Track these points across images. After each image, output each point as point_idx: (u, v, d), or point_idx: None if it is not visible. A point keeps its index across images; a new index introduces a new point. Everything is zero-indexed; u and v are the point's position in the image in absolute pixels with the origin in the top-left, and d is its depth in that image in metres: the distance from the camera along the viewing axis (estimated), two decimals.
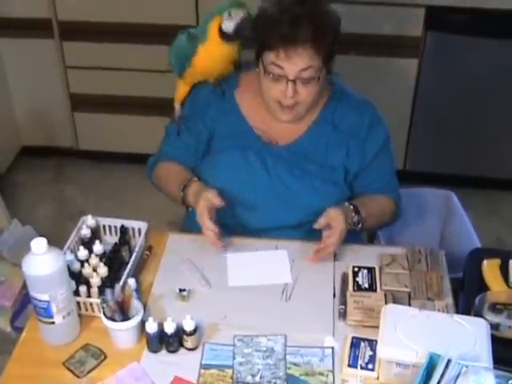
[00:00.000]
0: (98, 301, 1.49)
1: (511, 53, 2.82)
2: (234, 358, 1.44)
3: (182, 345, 1.46)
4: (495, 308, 1.50)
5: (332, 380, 1.39)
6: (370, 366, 1.39)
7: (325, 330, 1.50)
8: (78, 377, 1.41)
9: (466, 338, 1.34)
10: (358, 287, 1.59)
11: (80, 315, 1.51)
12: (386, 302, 1.53)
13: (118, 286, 1.46)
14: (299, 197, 1.74)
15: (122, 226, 1.71)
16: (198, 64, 1.74)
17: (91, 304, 1.52)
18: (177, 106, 1.85)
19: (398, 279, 1.61)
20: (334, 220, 1.64)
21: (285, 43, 1.59)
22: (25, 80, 3.20)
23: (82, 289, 1.52)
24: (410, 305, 1.53)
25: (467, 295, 1.58)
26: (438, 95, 2.98)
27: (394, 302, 1.52)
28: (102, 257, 1.63)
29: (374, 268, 1.64)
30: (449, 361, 1.26)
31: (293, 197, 1.74)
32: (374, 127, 1.79)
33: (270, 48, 1.62)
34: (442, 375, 1.24)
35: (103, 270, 1.56)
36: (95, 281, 1.54)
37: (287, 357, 1.44)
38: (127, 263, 1.61)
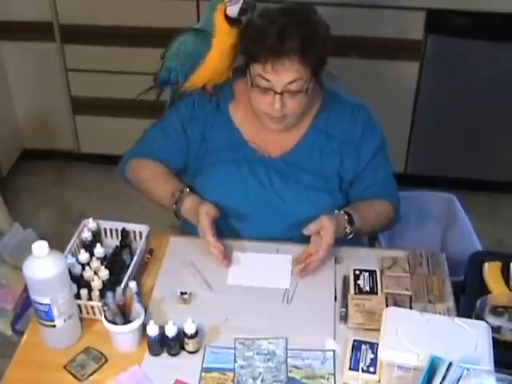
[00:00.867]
0: (99, 304, 1.49)
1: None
2: (235, 361, 1.43)
3: (183, 348, 1.46)
4: (496, 311, 1.49)
5: (333, 383, 1.39)
6: (371, 369, 1.38)
7: (326, 332, 1.50)
8: (79, 380, 1.40)
9: (467, 341, 1.34)
10: (359, 290, 1.59)
11: (81, 318, 1.51)
12: (387, 305, 1.53)
13: (119, 290, 1.46)
14: (294, 208, 1.73)
15: (123, 229, 1.71)
16: (210, 62, 1.70)
17: (92, 307, 1.52)
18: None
19: (400, 282, 1.61)
20: (324, 229, 1.61)
21: (271, 56, 1.56)
22: (26, 83, 3.20)
23: (83, 292, 1.52)
24: (411, 308, 1.53)
25: (468, 298, 1.58)
26: (438, 98, 2.98)
27: (395, 305, 1.52)
28: (103, 260, 1.63)
29: (375, 271, 1.64)
30: (450, 364, 1.26)
31: (287, 208, 1.73)
32: (368, 131, 1.77)
33: (256, 60, 1.60)
34: (444, 378, 1.25)
35: (104, 273, 1.56)
36: (96, 284, 1.54)
37: (288, 360, 1.43)
38: (128, 266, 1.61)
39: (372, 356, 1.40)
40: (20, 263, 1.42)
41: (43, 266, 1.37)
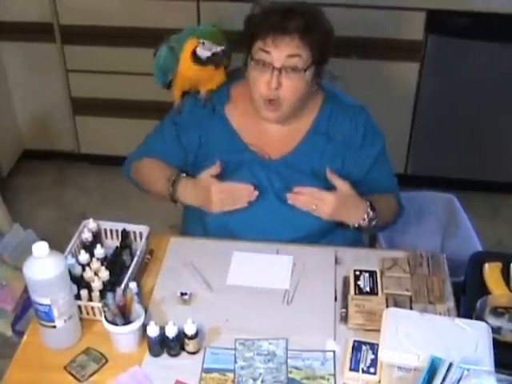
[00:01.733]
0: (100, 305, 1.49)
1: None
2: (235, 362, 1.43)
3: (183, 349, 1.46)
4: (497, 311, 1.49)
5: None
6: (371, 370, 1.38)
7: (326, 333, 1.50)
8: (79, 381, 1.41)
9: (467, 341, 1.34)
10: (359, 291, 1.59)
11: (81, 319, 1.51)
12: (387, 306, 1.53)
13: (119, 290, 1.46)
14: (295, 211, 1.71)
15: (124, 230, 1.71)
16: (180, 76, 1.75)
17: (92, 308, 1.52)
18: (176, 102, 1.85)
19: (400, 283, 1.61)
20: (339, 188, 1.66)
21: (273, 31, 1.60)
22: (26, 84, 3.20)
23: (83, 293, 1.52)
24: (411, 308, 1.53)
25: (469, 299, 1.58)
26: (439, 99, 2.98)
27: (396, 306, 1.52)
28: (104, 261, 1.63)
29: (376, 272, 1.64)
30: (450, 364, 1.26)
31: (288, 211, 1.72)
32: (370, 134, 1.78)
33: (258, 37, 1.63)
34: (444, 379, 1.25)
35: (104, 274, 1.56)
36: (96, 285, 1.54)
37: (288, 360, 1.43)
38: (128, 267, 1.61)
39: (372, 357, 1.40)
40: (20, 264, 1.42)
41: (43, 266, 1.37)
